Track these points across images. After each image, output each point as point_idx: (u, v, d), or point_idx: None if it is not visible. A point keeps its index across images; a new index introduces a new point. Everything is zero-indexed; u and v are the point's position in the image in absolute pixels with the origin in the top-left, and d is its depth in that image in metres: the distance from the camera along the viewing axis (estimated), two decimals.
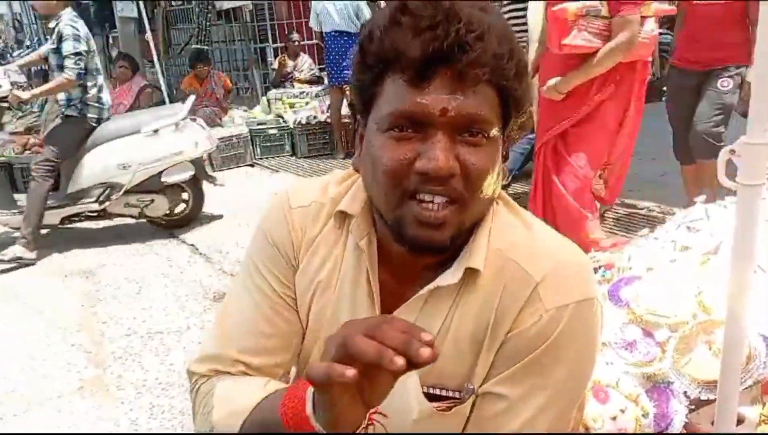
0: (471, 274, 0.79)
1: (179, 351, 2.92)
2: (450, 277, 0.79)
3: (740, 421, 1.58)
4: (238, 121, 6.90)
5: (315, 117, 6.77)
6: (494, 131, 0.74)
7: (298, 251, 0.88)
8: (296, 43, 7.63)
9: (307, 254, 0.88)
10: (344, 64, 5.95)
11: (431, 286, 0.80)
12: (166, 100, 6.90)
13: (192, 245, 4.26)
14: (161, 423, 2.42)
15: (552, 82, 2.99)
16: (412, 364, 0.57)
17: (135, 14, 7.07)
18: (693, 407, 1.55)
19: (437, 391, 0.82)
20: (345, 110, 6.50)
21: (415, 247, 0.75)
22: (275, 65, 7.77)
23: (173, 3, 9.21)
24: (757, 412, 1.52)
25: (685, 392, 1.61)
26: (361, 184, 0.84)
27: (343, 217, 0.86)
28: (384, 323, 0.59)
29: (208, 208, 4.92)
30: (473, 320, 0.80)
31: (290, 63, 7.64)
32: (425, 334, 0.58)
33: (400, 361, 0.56)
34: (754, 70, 0.98)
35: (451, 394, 0.81)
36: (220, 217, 4.75)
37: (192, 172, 4.42)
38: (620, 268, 2.17)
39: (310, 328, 0.89)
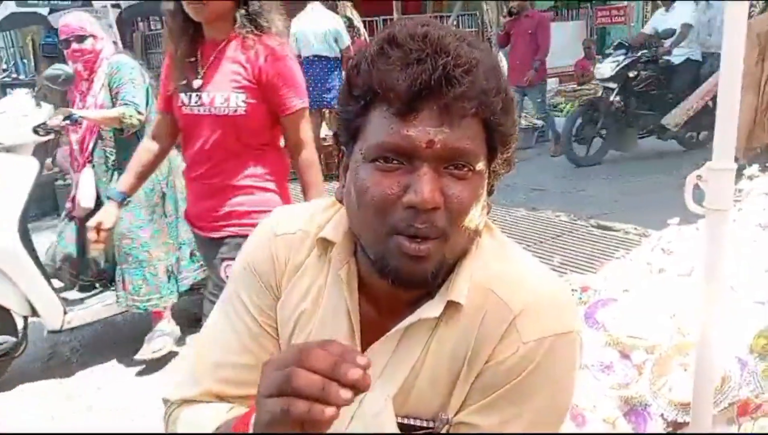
0: (452, 306, 0.78)
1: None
2: (431, 309, 0.78)
3: None
4: None
5: None
6: (480, 165, 0.74)
7: (281, 281, 0.86)
8: None
9: (290, 284, 0.86)
10: (323, 88, 5.98)
11: (412, 318, 0.79)
12: None
13: None
14: None
15: None
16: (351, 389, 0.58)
17: (113, 39, 7.04)
18: (670, 429, 1.55)
19: (411, 422, 0.81)
20: (323, 133, 6.52)
21: (397, 280, 0.74)
22: None
23: (151, 27, 9.21)
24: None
25: (662, 414, 1.62)
26: (343, 212, 0.83)
27: (326, 244, 0.85)
28: (317, 347, 0.60)
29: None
30: (451, 351, 0.79)
31: None
32: (360, 358, 0.58)
33: (346, 394, 0.56)
34: (718, 97, 0.99)
35: (425, 424, 0.81)
36: None
37: None
38: (596, 290, 2.18)
39: None
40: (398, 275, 0.74)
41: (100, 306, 2.98)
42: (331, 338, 0.82)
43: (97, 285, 3.11)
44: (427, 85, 0.68)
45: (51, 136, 2.88)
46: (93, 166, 2.94)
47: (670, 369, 1.66)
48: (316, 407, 0.57)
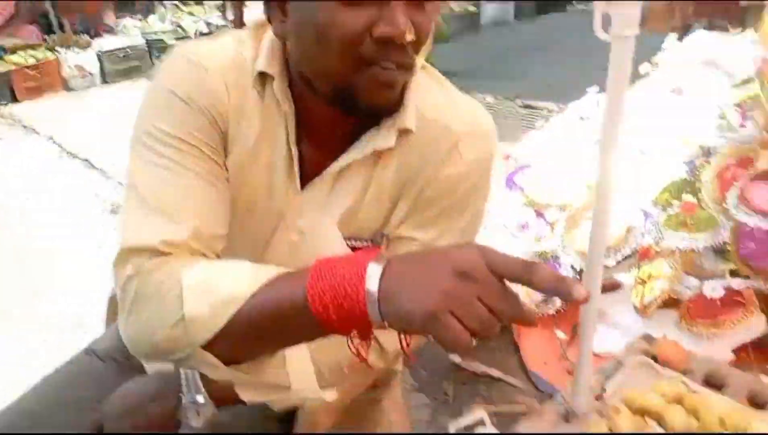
0: (401, 134, 0.81)
1: None
2: (385, 140, 0.79)
3: (617, 287, 1.71)
4: (133, 31, 6.42)
5: (216, 25, 6.41)
6: None
7: (226, 116, 0.77)
8: None
9: (236, 119, 0.77)
10: None
11: (366, 149, 0.79)
12: (50, 9, 6.29)
13: (86, 160, 4.03)
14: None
15: None
16: None
17: None
18: (579, 278, 1.65)
19: (352, 243, 0.86)
20: None
21: (366, 109, 0.73)
22: None
23: None
24: (633, 276, 1.64)
25: (572, 265, 1.72)
26: (273, 41, 0.78)
27: (263, 78, 0.79)
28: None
29: (98, 122, 4.66)
30: (395, 175, 0.83)
31: None
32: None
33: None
34: None
35: (365, 244, 0.86)
36: (114, 131, 4.49)
37: None
38: (515, 158, 2.24)
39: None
40: (371, 105, 0.73)
41: None
42: (269, 173, 0.80)
43: None
44: None
45: None
46: None
47: (579, 223, 1.75)
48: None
